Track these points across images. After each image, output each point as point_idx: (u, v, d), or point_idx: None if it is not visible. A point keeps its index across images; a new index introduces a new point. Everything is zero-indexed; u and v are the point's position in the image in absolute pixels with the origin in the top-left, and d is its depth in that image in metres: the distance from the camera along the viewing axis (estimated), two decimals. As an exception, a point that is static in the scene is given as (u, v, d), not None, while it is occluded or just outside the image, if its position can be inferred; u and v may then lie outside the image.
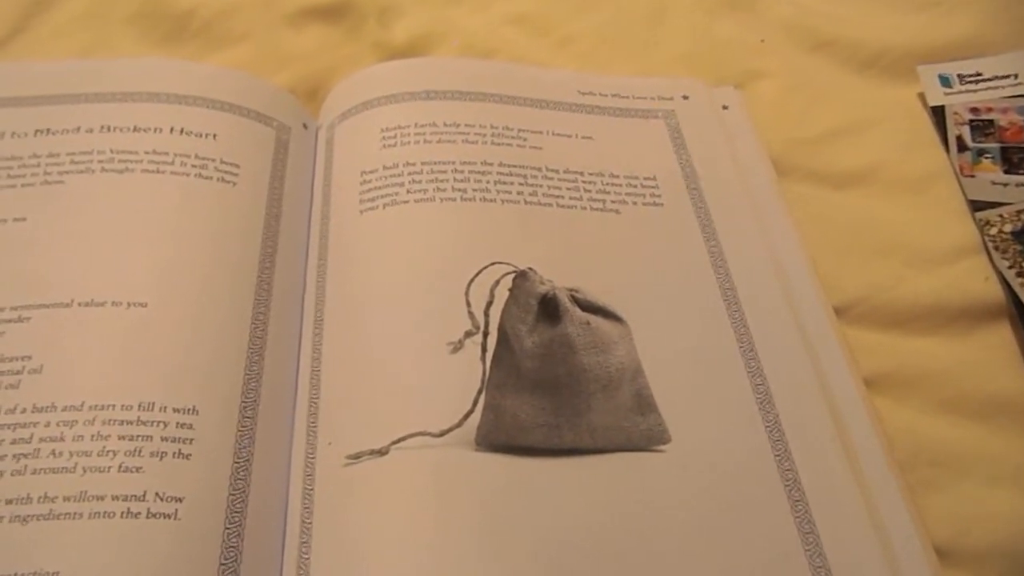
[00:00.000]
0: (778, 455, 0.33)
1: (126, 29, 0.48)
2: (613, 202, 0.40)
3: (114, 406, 0.31)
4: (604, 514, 0.30)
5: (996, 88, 0.45)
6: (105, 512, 0.28)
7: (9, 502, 0.28)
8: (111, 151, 0.39)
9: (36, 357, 0.32)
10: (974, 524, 0.32)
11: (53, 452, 0.29)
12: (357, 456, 0.31)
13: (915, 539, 0.31)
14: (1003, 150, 0.43)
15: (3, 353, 0.32)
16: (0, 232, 0.36)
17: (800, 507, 0.31)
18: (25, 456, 0.29)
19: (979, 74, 0.45)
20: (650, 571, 0.29)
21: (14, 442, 0.30)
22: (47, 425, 0.30)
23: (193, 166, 0.38)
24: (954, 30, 0.47)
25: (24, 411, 0.30)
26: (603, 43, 0.49)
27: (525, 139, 0.42)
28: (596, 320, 0.34)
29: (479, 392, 0.33)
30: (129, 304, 0.33)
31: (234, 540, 0.29)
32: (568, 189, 0.40)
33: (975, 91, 0.45)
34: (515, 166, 0.40)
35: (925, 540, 0.31)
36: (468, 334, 0.34)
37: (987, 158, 0.43)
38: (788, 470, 0.32)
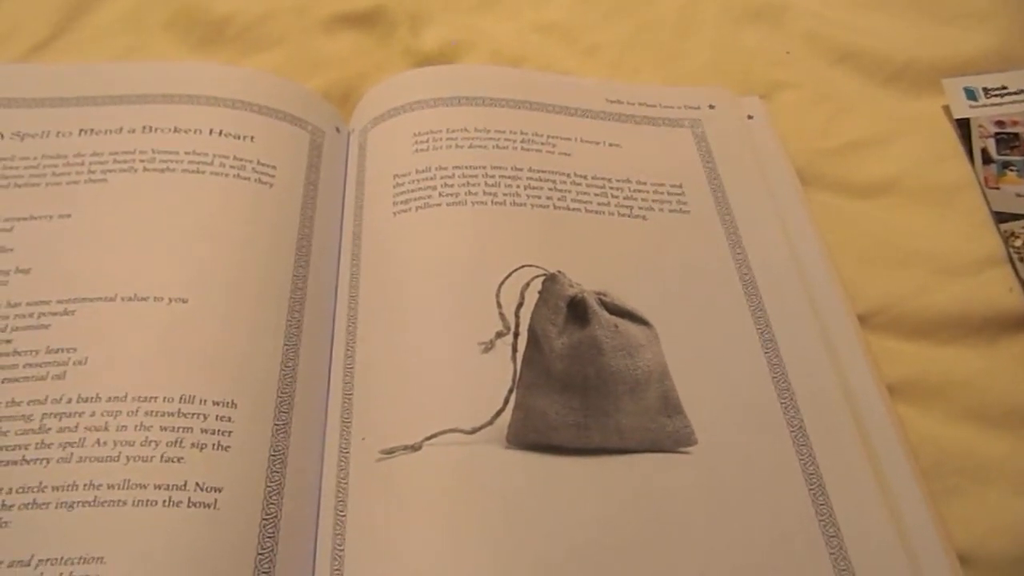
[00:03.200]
0: (802, 459, 0.33)
1: (163, 34, 0.49)
2: (640, 208, 0.41)
3: (156, 398, 0.31)
4: (630, 513, 0.31)
5: (1022, 101, 0.45)
6: (148, 500, 0.29)
7: (56, 489, 0.29)
8: (152, 151, 0.40)
9: (81, 349, 0.33)
10: (997, 532, 0.33)
11: (98, 441, 0.30)
12: (391, 451, 0.32)
13: (938, 545, 0.31)
14: (1028, 163, 0.43)
15: (50, 345, 0.33)
16: (46, 228, 0.37)
17: (824, 510, 0.32)
18: (71, 445, 0.30)
19: (1005, 87, 0.46)
20: (674, 570, 0.30)
21: (60, 431, 0.31)
22: (92, 415, 0.31)
23: (231, 167, 0.39)
24: (980, 43, 0.48)
25: (70, 401, 0.31)
26: (631, 52, 0.50)
27: (554, 145, 0.42)
28: (624, 323, 0.34)
29: (510, 391, 0.33)
30: (170, 300, 0.34)
31: (270, 530, 0.30)
32: (596, 195, 0.41)
33: (1001, 104, 0.45)
34: (544, 172, 0.41)
35: (948, 546, 0.32)
36: (499, 335, 0.35)
37: (1012, 170, 0.43)
38: (812, 474, 0.33)
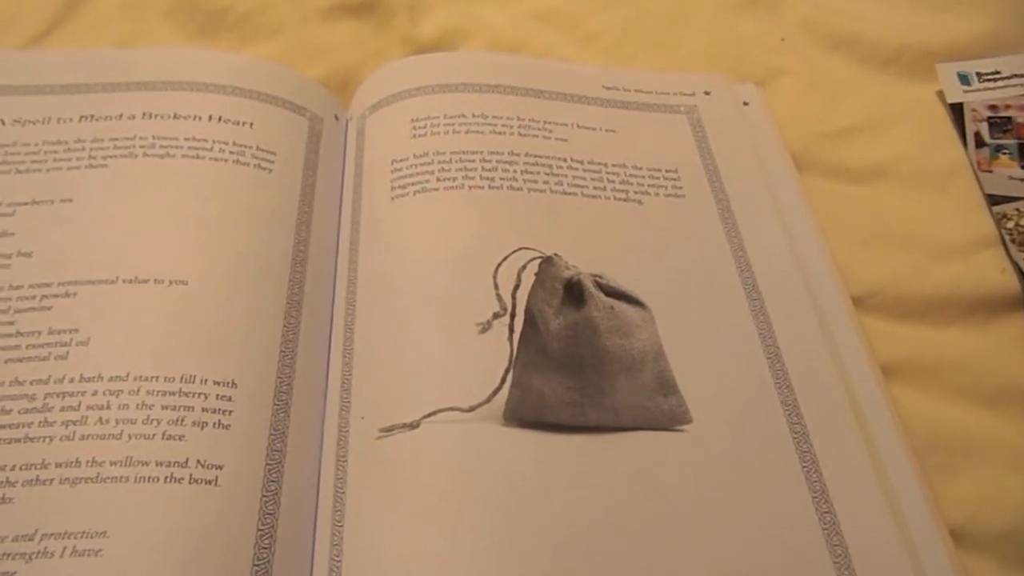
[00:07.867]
0: (796, 437, 0.33)
1: (163, 22, 0.50)
2: (636, 193, 0.41)
3: (157, 378, 0.32)
4: (626, 490, 0.31)
5: (1014, 86, 0.45)
6: (150, 477, 0.29)
7: (59, 465, 0.30)
8: (153, 137, 0.40)
9: (83, 330, 0.33)
10: (988, 508, 0.33)
11: (100, 419, 0.31)
12: (389, 429, 0.32)
13: (930, 521, 0.32)
14: (1020, 146, 0.44)
15: (52, 326, 0.33)
16: (48, 212, 0.37)
17: (817, 487, 0.32)
18: (74, 423, 0.31)
19: (998, 72, 0.46)
20: (670, 546, 0.30)
21: (63, 409, 0.31)
22: (94, 394, 0.31)
23: (231, 153, 0.40)
24: (973, 29, 0.48)
25: (72, 380, 0.32)
26: (628, 39, 0.50)
27: (551, 131, 0.43)
28: (619, 305, 0.35)
29: (507, 370, 0.34)
30: (171, 282, 0.35)
31: (271, 507, 0.30)
32: (592, 179, 0.41)
33: (993, 89, 0.45)
34: (541, 157, 0.41)
35: (940, 523, 0.32)
36: (496, 315, 0.35)
37: (1004, 154, 0.43)
38: (806, 452, 0.33)
